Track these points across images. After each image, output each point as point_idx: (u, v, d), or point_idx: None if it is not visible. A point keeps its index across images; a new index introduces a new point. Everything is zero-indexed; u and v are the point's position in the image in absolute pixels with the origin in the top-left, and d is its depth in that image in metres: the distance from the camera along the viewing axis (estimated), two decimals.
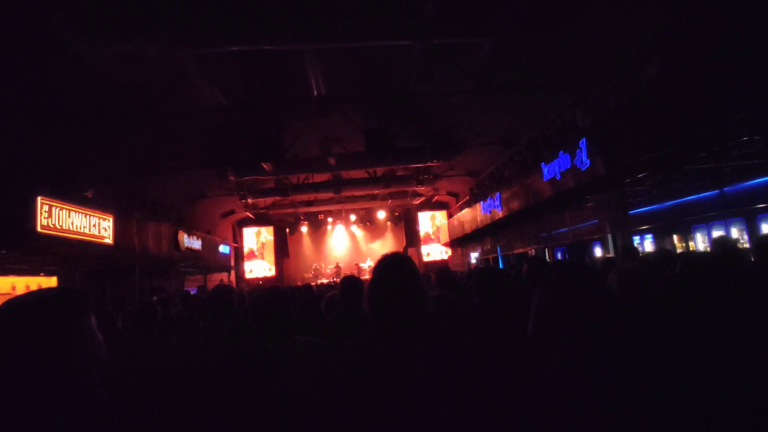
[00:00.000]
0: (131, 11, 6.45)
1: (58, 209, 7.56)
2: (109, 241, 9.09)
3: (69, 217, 7.88)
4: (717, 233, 7.91)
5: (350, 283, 3.49)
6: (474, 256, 16.44)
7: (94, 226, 8.63)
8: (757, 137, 4.80)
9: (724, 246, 2.87)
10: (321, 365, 1.89)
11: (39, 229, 7.10)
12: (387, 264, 1.71)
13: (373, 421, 1.48)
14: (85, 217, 8.35)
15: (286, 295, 2.29)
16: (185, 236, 12.78)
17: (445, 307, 2.55)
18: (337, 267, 19.74)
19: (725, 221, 7.90)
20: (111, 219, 9.18)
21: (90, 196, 9.01)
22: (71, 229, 7.92)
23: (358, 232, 21.84)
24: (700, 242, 8.44)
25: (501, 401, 1.36)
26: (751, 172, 6.31)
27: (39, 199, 7.14)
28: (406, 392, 1.47)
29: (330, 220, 20.82)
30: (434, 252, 20.75)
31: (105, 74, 7.18)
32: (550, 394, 1.44)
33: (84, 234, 8.28)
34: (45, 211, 7.25)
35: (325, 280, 17.51)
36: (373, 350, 1.61)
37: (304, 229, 21.05)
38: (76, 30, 6.10)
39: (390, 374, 1.51)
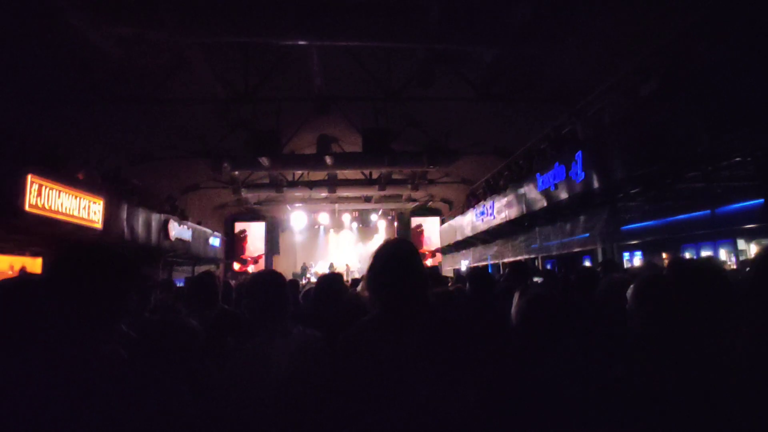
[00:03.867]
0: None
1: (48, 189, 7.47)
2: (98, 225, 8.99)
3: (59, 197, 7.78)
4: (705, 253, 7.98)
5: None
6: (465, 264, 16.45)
7: (84, 208, 8.53)
8: (748, 158, 4.84)
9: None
10: (319, 358, 1.84)
11: (27, 207, 7.01)
12: (390, 247, 1.73)
13: (370, 405, 1.48)
14: (75, 198, 8.25)
15: (281, 279, 2.13)
16: (176, 226, 12.68)
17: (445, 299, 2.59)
18: (332, 266, 19.64)
19: (714, 242, 7.97)
20: (101, 203, 9.08)
21: (82, 178, 8.91)
22: (60, 210, 7.82)
23: (351, 232, 21.80)
24: None
25: (490, 384, 1.38)
26: (742, 193, 6.38)
27: (29, 176, 7.05)
28: (405, 373, 1.47)
29: (323, 219, 20.76)
30: (425, 257, 20.77)
31: (105, 55, 7.13)
32: (539, 386, 1.45)
33: (73, 216, 8.18)
34: (34, 190, 7.16)
35: (314, 279, 17.43)
36: (374, 333, 1.62)
37: (296, 226, 20.97)
38: (78, 8, 6.05)
39: (390, 356, 1.52)
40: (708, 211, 7.27)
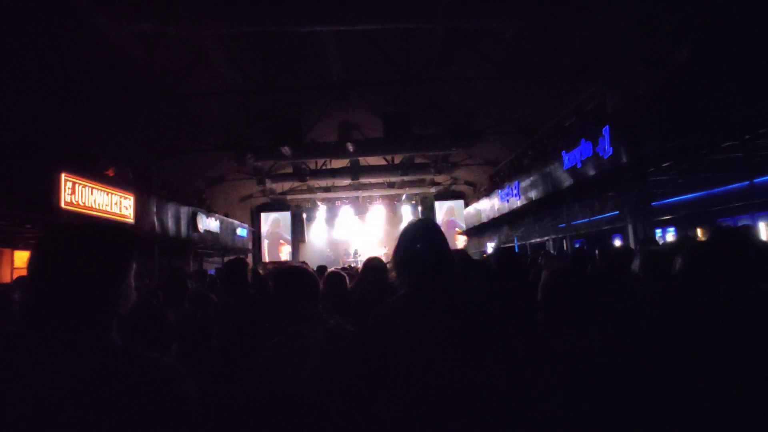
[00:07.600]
0: None
1: (81, 186, 7.72)
2: (130, 219, 9.27)
3: (92, 194, 8.03)
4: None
5: (372, 263, 3.58)
6: (490, 246, 16.31)
7: (116, 204, 8.79)
8: None
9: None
10: (352, 349, 1.82)
11: (62, 205, 7.27)
12: (414, 227, 1.76)
13: (396, 382, 1.50)
14: (107, 195, 8.51)
15: (307, 274, 2.06)
16: (204, 218, 12.95)
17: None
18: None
19: (752, 214, 7.63)
20: (132, 198, 9.34)
21: (112, 175, 9.16)
22: (93, 206, 8.08)
23: (375, 219, 21.84)
24: None
25: (514, 359, 1.37)
26: None
27: (63, 175, 7.30)
28: (430, 350, 1.49)
29: (347, 206, 20.88)
30: (450, 241, 20.62)
31: (127, 53, 7.26)
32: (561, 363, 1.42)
33: (106, 212, 8.44)
34: (68, 188, 7.41)
35: (340, 266, 17.52)
36: (401, 312, 1.64)
37: (320, 215, 21.15)
38: (97, 7, 6.16)
39: (416, 334, 1.54)
40: (746, 183, 6.97)
